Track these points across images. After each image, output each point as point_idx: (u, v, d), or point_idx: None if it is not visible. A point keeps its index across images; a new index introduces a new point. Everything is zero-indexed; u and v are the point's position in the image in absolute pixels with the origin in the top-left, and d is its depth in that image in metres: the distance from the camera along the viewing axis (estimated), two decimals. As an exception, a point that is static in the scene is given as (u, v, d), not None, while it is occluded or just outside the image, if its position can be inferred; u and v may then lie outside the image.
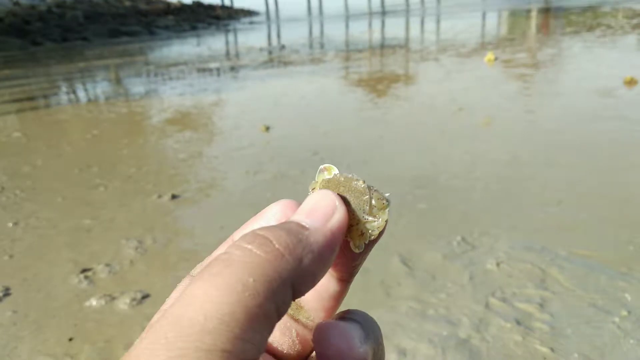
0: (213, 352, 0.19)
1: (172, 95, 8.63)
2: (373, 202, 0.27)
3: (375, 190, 0.28)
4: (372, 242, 0.28)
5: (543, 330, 2.21)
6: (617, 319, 2.26)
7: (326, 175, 0.29)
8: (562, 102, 6.40)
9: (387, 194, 0.28)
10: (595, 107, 5.90)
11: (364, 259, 0.29)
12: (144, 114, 7.46)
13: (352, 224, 0.27)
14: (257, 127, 6.04)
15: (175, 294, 0.28)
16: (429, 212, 3.45)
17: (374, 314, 1.94)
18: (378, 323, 0.32)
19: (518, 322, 2.26)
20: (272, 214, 0.29)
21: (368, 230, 0.27)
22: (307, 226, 0.25)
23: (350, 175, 0.28)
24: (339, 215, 0.26)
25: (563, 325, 2.23)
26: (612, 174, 3.96)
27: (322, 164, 0.29)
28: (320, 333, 0.27)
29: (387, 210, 0.28)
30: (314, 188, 0.29)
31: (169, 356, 0.19)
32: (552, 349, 2.08)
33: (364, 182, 0.27)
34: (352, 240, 0.28)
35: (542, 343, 2.12)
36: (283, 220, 0.27)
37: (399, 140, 5.23)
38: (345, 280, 0.30)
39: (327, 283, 0.30)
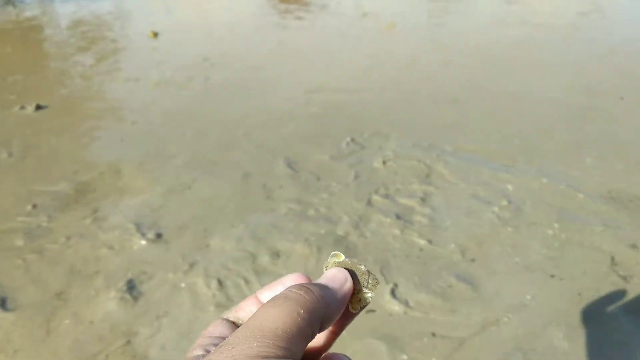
0: (280, 348, 0.32)
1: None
2: (369, 280, 0.43)
3: (370, 272, 0.44)
4: (362, 308, 0.43)
5: (422, 224, 2.09)
6: (496, 209, 2.20)
7: (335, 259, 0.45)
8: (467, 7, 6.25)
9: (377, 277, 0.50)
10: (499, 12, 5.81)
11: (351, 321, 0.44)
12: (17, 21, 6.51)
13: (354, 292, 0.42)
14: (144, 33, 5.41)
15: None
16: (321, 115, 3.23)
17: (251, 217, 1.68)
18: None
19: (398, 217, 2.13)
20: (291, 279, 0.43)
21: (365, 298, 0.43)
22: (330, 287, 0.40)
23: (355, 260, 0.45)
24: (349, 283, 0.42)
25: (443, 218, 2.13)
26: (506, 73, 3.90)
27: (333, 252, 0.46)
28: (331, 355, 0.40)
29: (377, 286, 0.44)
30: (327, 266, 0.45)
31: (258, 346, 0.32)
32: (429, 241, 1.97)
33: (365, 266, 0.44)
34: (351, 304, 0.42)
35: (420, 236, 2.01)
36: (298, 282, 0.42)
37: (299, 45, 4.89)
38: (336, 333, 0.44)
39: (326, 333, 0.44)
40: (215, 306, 1.69)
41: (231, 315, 0.44)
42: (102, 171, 2.67)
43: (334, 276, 0.41)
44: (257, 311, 0.35)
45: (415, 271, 1.85)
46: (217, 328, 0.42)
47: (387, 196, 2.34)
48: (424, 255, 1.94)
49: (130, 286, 1.81)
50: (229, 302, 1.71)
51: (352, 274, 0.43)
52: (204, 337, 0.40)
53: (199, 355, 0.37)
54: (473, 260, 1.91)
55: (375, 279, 0.43)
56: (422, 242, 2.01)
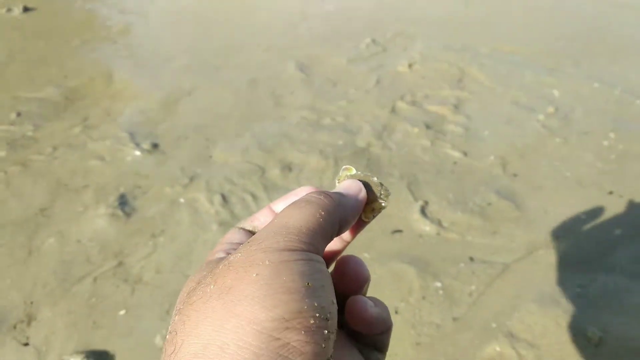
0: (305, 243, 0.35)
1: None
2: (382, 191, 0.47)
3: (382, 184, 0.47)
4: (374, 217, 0.47)
5: (456, 134, 1.79)
6: (541, 117, 1.88)
7: (347, 172, 0.48)
8: None
9: (388, 188, 0.48)
10: None
11: (363, 229, 0.47)
12: None
13: (368, 202, 0.46)
14: None
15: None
16: (337, 14, 2.83)
17: (258, 127, 1.39)
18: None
19: (428, 126, 1.82)
20: (304, 190, 0.45)
21: (379, 207, 0.47)
22: (346, 195, 0.42)
23: (368, 173, 0.48)
24: (363, 192, 0.44)
25: (479, 127, 1.82)
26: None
27: (345, 165, 0.50)
28: (349, 259, 0.44)
29: (389, 196, 0.47)
30: (339, 179, 0.48)
31: (285, 240, 0.35)
32: (465, 153, 1.68)
33: (377, 178, 0.47)
34: (364, 213, 0.46)
35: (453, 147, 1.71)
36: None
37: None
38: (348, 241, 0.48)
39: (340, 239, 0.47)
40: (218, 224, 1.44)
41: (247, 224, 0.46)
42: (92, 77, 2.36)
43: (349, 186, 0.44)
44: (281, 212, 0.38)
45: (449, 187, 1.58)
46: (235, 235, 0.44)
47: (414, 103, 2.02)
48: (458, 170, 1.65)
49: (123, 201, 1.56)
50: (233, 220, 1.47)
51: (366, 185, 0.46)
52: (223, 244, 0.43)
53: (222, 258, 0.39)
54: (515, 174, 1.63)
55: (387, 189, 0.47)
56: (456, 154, 1.72)
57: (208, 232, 1.47)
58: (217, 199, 1.59)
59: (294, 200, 0.41)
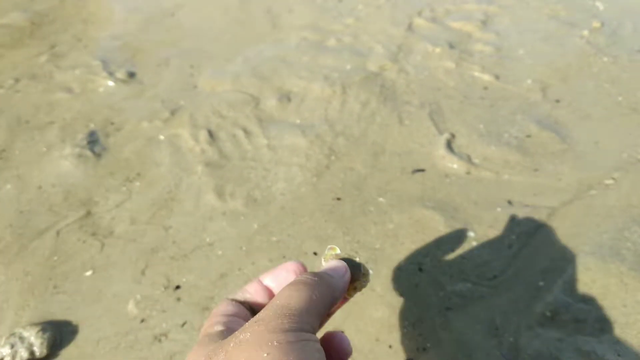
0: (305, 323, 0.42)
1: None
2: (362, 271, 0.55)
3: (362, 264, 0.55)
4: (355, 295, 0.55)
5: (485, 54, 1.50)
6: (585, 32, 1.58)
7: (332, 252, 0.56)
8: None
9: (370, 269, 0.68)
10: None
11: (344, 304, 0.57)
12: None
13: (351, 281, 0.53)
14: None
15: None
16: None
17: (252, 50, 1.05)
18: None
19: (451, 46, 1.53)
20: (291, 267, 0.56)
21: (360, 286, 0.55)
22: (333, 276, 0.50)
23: (351, 253, 0.63)
24: (348, 274, 0.52)
25: (513, 46, 1.53)
26: None
27: (330, 245, 0.67)
28: (334, 335, 0.50)
29: (369, 275, 0.55)
30: (325, 259, 0.56)
31: (288, 322, 0.41)
32: (496, 76, 1.39)
33: (358, 259, 0.55)
34: (347, 291, 0.53)
35: (483, 69, 1.43)
36: (296, 270, 0.56)
37: None
38: (330, 315, 0.57)
39: None
40: (204, 165, 1.20)
41: (238, 296, 0.54)
42: None
43: (336, 267, 0.52)
44: (280, 293, 0.45)
45: (480, 116, 1.31)
46: (228, 307, 0.51)
47: (434, 19, 1.72)
48: (489, 96, 1.37)
49: (92, 139, 1.31)
50: (222, 160, 1.22)
51: (349, 264, 0.54)
52: (217, 316, 0.49)
53: (221, 331, 0.47)
54: (558, 101, 1.35)
55: (367, 269, 0.55)
56: (487, 77, 1.43)
57: (192, 174, 1.23)
58: (203, 134, 1.33)
59: (283, 275, 0.55)
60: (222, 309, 0.51)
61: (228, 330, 0.48)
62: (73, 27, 1.95)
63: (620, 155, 1.22)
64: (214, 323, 0.49)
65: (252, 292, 0.55)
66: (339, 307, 0.54)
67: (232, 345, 0.40)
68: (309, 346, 0.40)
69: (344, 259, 0.55)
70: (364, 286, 0.56)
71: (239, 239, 1.09)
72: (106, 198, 1.21)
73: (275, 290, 0.56)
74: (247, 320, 0.50)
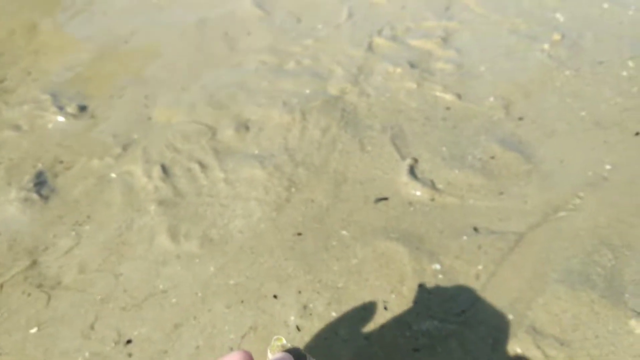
0: None
1: None
2: None
3: (308, 355, 0.59)
4: None
5: (446, 72, 1.47)
6: (546, 46, 1.58)
7: (278, 343, 0.60)
8: None
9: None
10: None
11: None
12: None
13: None
14: None
15: None
16: None
17: (208, 77, 1.02)
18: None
19: (412, 65, 1.50)
20: (238, 357, 0.57)
21: None
22: None
23: (296, 347, 0.60)
24: None
25: (474, 63, 1.50)
26: None
27: (275, 336, 0.62)
28: None
29: None
30: (271, 350, 0.60)
31: None
32: (458, 95, 1.37)
33: (303, 351, 0.59)
34: None
35: (445, 89, 1.40)
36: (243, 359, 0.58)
37: None
38: None
39: None
40: (157, 204, 1.13)
41: None
42: (12, 29, 1.97)
43: (283, 359, 0.55)
44: None
45: (442, 138, 1.27)
46: None
47: (394, 38, 1.69)
48: (452, 116, 1.34)
49: (40, 181, 1.24)
50: (177, 198, 1.17)
51: (294, 356, 0.57)
52: None
53: None
54: (521, 118, 1.33)
55: (311, 358, 0.58)
56: (449, 97, 1.41)
57: (145, 214, 1.16)
58: (157, 170, 1.27)
59: None
60: None
61: None
62: (23, 60, 1.88)
63: (586, 173, 1.20)
64: None
65: None
66: None
67: None
68: None
69: (289, 351, 0.59)
70: None
71: (194, 284, 1.03)
72: (54, 245, 1.14)
73: None
74: None
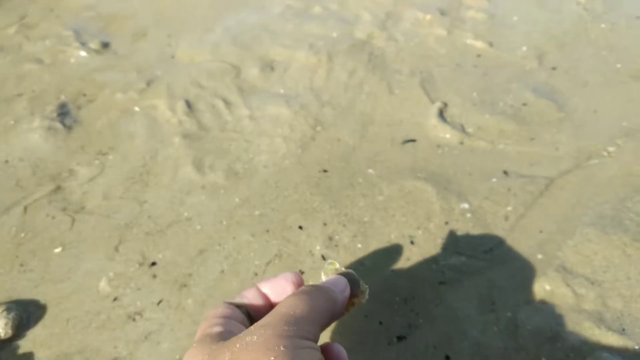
0: (309, 332, 0.45)
1: None
2: (360, 288, 0.58)
3: (360, 280, 0.58)
4: (352, 310, 0.58)
5: (478, 21, 1.43)
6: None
7: (332, 267, 0.59)
8: None
9: (367, 287, 0.60)
10: None
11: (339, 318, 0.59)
12: None
13: (350, 297, 0.55)
14: None
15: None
16: None
17: (232, 19, 0.97)
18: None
19: (442, 13, 1.46)
20: (290, 278, 0.58)
21: (358, 303, 0.58)
22: (335, 291, 0.53)
23: (350, 270, 0.59)
24: (348, 290, 0.56)
25: (506, 13, 1.46)
26: None
27: (329, 260, 0.61)
28: (332, 346, 0.51)
29: (367, 292, 0.59)
30: (325, 272, 0.59)
31: (294, 329, 0.43)
32: (490, 44, 1.33)
33: (356, 275, 0.58)
34: (345, 306, 0.54)
35: (476, 36, 1.36)
36: (295, 281, 0.58)
37: None
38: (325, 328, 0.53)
39: None
40: (181, 137, 1.12)
41: (236, 300, 0.56)
42: None
43: (337, 282, 0.55)
44: (285, 301, 0.48)
45: (473, 85, 1.25)
46: (225, 310, 0.53)
47: None
48: (483, 63, 1.31)
49: (63, 112, 1.23)
50: (201, 132, 1.15)
51: (349, 281, 0.56)
52: (215, 318, 0.51)
53: (220, 332, 0.48)
54: (554, 68, 1.29)
55: (365, 286, 0.59)
56: (480, 44, 1.37)
57: (169, 146, 1.15)
58: (181, 105, 1.25)
59: (282, 284, 0.57)
60: (220, 311, 0.53)
61: (227, 332, 0.50)
62: (44, -4, 1.85)
63: (621, 124, 1.17)
64: (212, 324, 0.50)
65: (249, 298, 0.57)
66: (335, 320, 0.55)
67: (237, 346, 0.43)
68: (313, 354, 0.43)
69: (344, 274, 0.58)
70: (361, 303, 0.59)
71: (219, 213, 1.02)
72: (77, 172, 1.14)
73: (273, 298, 0.58)
74: (244, 323, 0.54)
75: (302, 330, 0.45)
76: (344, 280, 0.56)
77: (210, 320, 0.51)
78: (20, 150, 1.21)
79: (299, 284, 0.59)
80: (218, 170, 1.12)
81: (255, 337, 0.43)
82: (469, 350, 0.79)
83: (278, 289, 0.58)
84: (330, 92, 1.31)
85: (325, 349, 0.50)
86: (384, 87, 1.31)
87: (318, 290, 0.52)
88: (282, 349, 0.41)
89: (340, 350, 0.51)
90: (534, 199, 1.02)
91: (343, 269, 0.60)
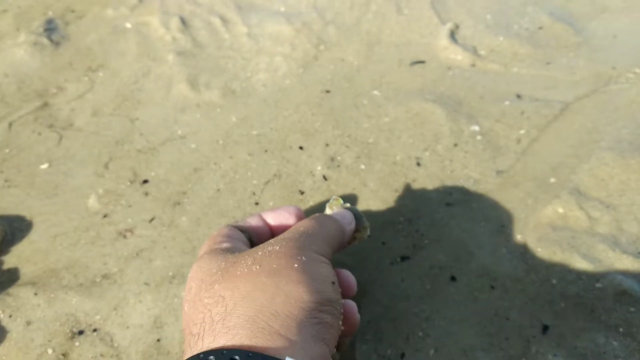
0: (325, 251, 0.48)
1: None
2: (364, 223, 0.60)
3: (364, 217, 0.61)
4: (353, 244, 0.61)
5: None
6: None
7: (337, 202, 0.61)
8: None
9: (368, 223, 0.62)
10: None
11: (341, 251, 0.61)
12: None
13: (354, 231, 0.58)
14: None
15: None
16: None
17: None
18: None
19: None
20: (292, 210, 0.59)
21: (361, 236, 0.61)
22: (343, 222, 0.56)
23: (354, 207, 0.61)
24: (353, 223, 0.58)
25: None
26: None
27: (334, 195, 0.64)
28: (341, 272, 0.54)
29: (368, 229, 0.61)
30: (330, 207, 0.62)
31: (314, 244, 0.47)
32: None
33: (359, 211, 0.61)
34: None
35: None
36: (297, 214, 0.59)
37: None
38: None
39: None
40: (175, 54, 1.05)
41: (239, 224, 0.57)
42: None
43: (344, 215, 0.58)
44: (300, 223, 0.51)
45: (486, 7, 1.16)
46: (229, 231, 0.54)
47: None
48: None
49: (50, 27, 1.14)
50: (196, 49, 1.08)
51: (354, 215, 0.59)
52: (220, 236, 0.53)
53: (229, 247, 0.50)
54: None
55: (367, 222, 0.62)
56: None
57: (162, 63, 1.08)
58: (175, 22, 1.17)
59: (285, 216, 0.58)
60: (225, 231, 0.54)
61: (234, 249, 0.50)
62: None
63: (642, 49, 1.09)
64: (219, 241, 0.52)
65: (253, 224, 0.57)
66: (340, 250, 0.57)
67: (259, 253, 0.45)
68: (329, 269, 0.46)
69: (349, 209, 0.61)
70: (363, 238, 0.62)
71: (215, 132, 0.96)
72: (65, 89, 1.07)
73: (274, 227, 0.59)
74: (247, 245, 0.54)
75: (320, 248, 0.48)
76: (350, 214, 0.59)
77: (216, 238, 0.53)
78: (5, 66, 1.13)
79: (301, 217, 0.60)
80: (214, 89, 1.05)
81: (278, 247, 0.45)
82: (476, 271, 0.74)
83: (281, 218, 0.58)
84: (335, 11, 1.22)
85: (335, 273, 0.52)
86: (392, 6, 1.22)
87: (330, 218, 0.55)
88: (303, 259, 0.44)
89: (349, 275, 0.54)
90: (548, 123, 0.96)
91: (348, 204, 0.62)
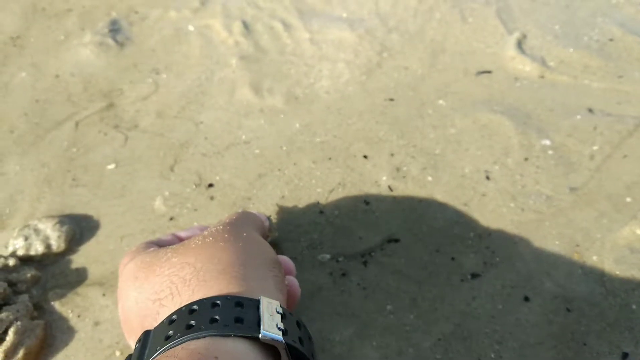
0: (252, 229, 0.54)
1: None
2: (272, 226, 0.71)
3: (272, 221, 0.72)
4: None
5: None
6: None
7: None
8: None
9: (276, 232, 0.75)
10: None
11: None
12: None
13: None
14: None
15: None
16: None
17: None
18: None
19: None
20: (205, 227, 0.62)
21: (273, 235, 0.71)
22: (260, 216, 0.62)
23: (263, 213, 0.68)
24: (267, 223, 0.65)
25: None
26: None
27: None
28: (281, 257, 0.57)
29: (275, 232, 0.74)
30: None
31: (251, 227, 0.54)
32: None
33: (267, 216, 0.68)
34: None
35: None
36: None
37: None
38: None
39: None
40: (238, 58, 1.05)
41: (153, 241, 0.59)
42: None
43: (257, 213, 0.64)
44: (226, 216, 0.56)
45: (554, 17, 1.13)
46: (147, 244, 0.57)
47: None
48: None
49: (114, 28, 1.16)
50: (259, 54, 1.09)
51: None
52: (141, 245, 0.56)
53: (156, 249, 0.52)
54: None
55: (275, 227, 0.74)
56: None
57: (225, 67, 1.08)
58: (237, 26, 1.17)
59: (197, 232, 0.60)
60: (142, 245, 0.55)
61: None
62: None
63: None
64: (143, 247, 0.53)
65: (167, 240, 0.58)
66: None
67: (205, 233, 0.48)
68: (260, 243, 0.50)
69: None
70: (274, 236, 0.72)
71: (279, 138, 0.96)
72: (130, 90, 1.08)
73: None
74: None
75: (245, 229, 0.51)
76: (263, 216, 0.65)
77: (138, 247, 0.54)
78: (71, 65, 1.15)
79: None
80: (277, 94, 1.05)
81: (221, 227, 0.49)
82: (551, 293, 0.72)
83: (195, 231, 0.61)
84: (398, 18, 1.21)
85: None
86: (456, 14, 1.20)
87: (251, 211, 0.61)
88: (244, 235, 0.48)
89: (286, 257, 0.57)
90: (623, 139, 0.92)
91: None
